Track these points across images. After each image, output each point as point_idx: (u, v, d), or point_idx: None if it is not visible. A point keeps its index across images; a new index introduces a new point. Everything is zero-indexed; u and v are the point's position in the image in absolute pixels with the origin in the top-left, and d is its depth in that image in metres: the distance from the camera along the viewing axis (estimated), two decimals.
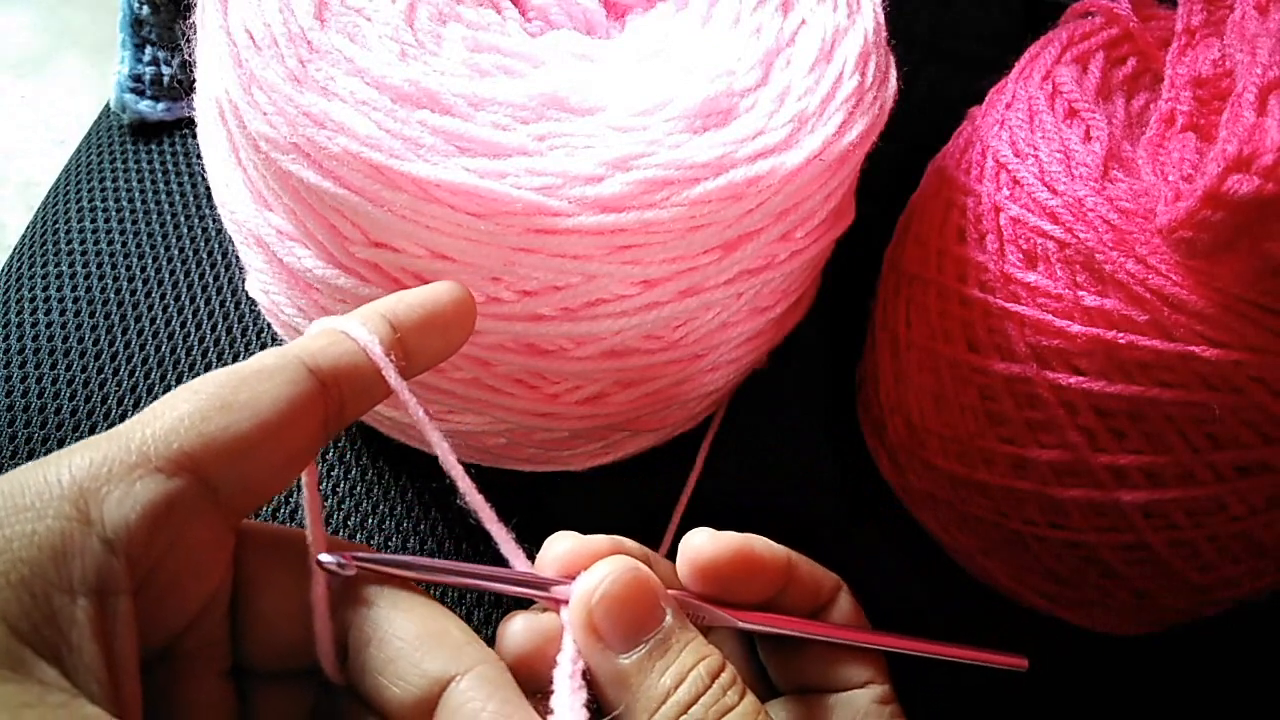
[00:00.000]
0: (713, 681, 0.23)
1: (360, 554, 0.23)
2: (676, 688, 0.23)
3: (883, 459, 0.42)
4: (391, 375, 0.24)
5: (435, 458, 0.40)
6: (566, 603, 0.24)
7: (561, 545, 0.25)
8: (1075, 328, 0.33)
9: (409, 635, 0.22)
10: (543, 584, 0.24)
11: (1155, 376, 0.32)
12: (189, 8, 0.35)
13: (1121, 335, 0.32)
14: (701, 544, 0.26)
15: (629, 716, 0.23)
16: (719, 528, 0.27)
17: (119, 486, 0.19)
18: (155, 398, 0.42)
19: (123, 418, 0.42)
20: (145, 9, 0.53)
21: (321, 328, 0.24)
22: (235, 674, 0.23)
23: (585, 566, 0.24)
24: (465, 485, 0.25)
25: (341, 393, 0.23)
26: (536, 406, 0.36)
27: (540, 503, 0.42)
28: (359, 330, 0.24)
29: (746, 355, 0.39)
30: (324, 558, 0.22)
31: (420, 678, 0.22)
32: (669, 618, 0.24)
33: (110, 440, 0.20)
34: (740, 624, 0.26)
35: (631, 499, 0.42)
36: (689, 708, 0.22)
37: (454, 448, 0.39)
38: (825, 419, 0.46)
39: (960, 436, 0.37)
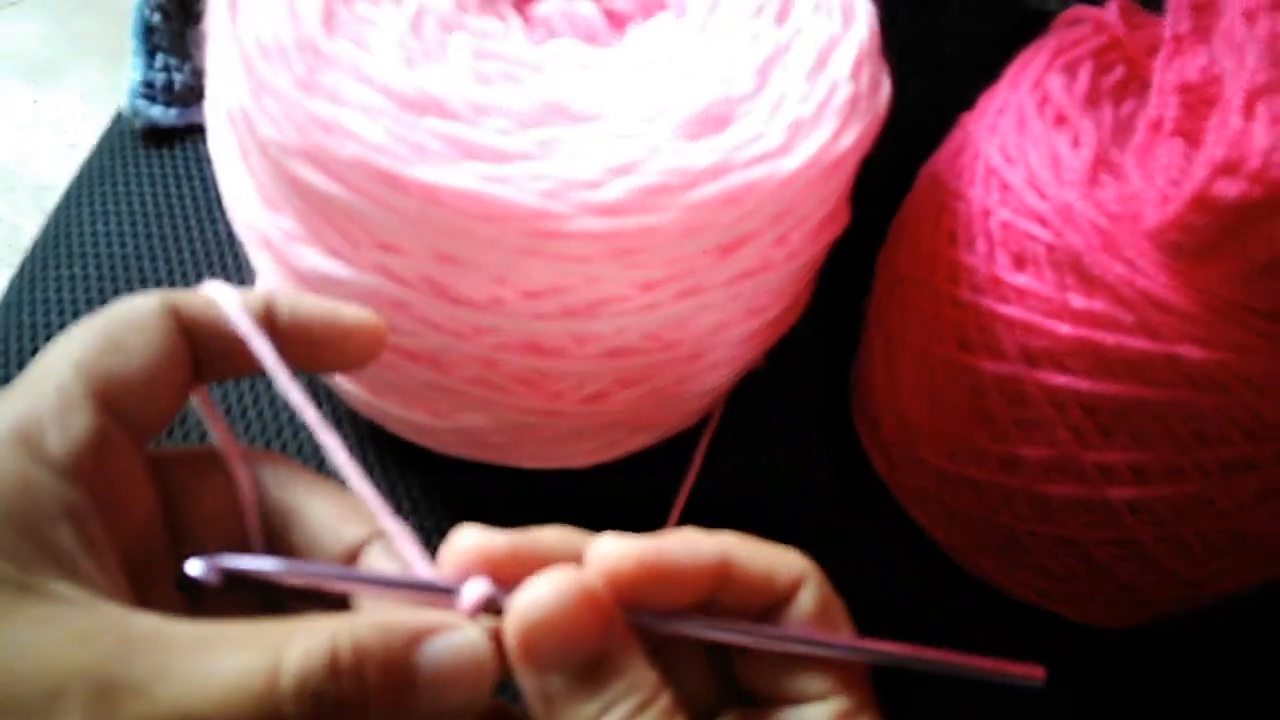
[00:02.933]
0: (637, 715, 0.22)
1: (229, 563, 0.23)
2: (599, 716, 0.22)
3: (876, 456, 0.43)
4: (256, 341, 0.25)
5: (437, 456, 0.41)
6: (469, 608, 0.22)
7: (466, 540, 0.23)
8: (1064, 328, 0.33)
9: (327, 511, 0.25)
10: (442, 588, 0.23)
11: (1142, 376, 0.32)
12: (199, 16, 0.35)
13: (1109, 336, 0.32)
14: (606, 553, 0.23)
15: None
16: (716, 523, 0.25)
17: (53, 425, 0.21)
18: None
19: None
20: (157, 17, 0.54)
21: (201, 287, 0.26)
22: (184, 589, 0.25)
23: (491, 570, 0.23)
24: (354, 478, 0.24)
25: (199, 343, 0.25)
26: (540, 404, 0.36)
27: (542, 499, 0.42)
28: (229, 298, 0.25)
29: (744, 355, 0.39)
30: (190, 568, 0.23)
31: (342, 545, 0.25)
32: (607, 641, 0.22)
33: (23, 391, 0.22)
34: (665, 629, 0.24)
35: (632, 494, 0.42)
36: None
37: (457, 444, 0.40)
38: (820, 417, 0.47)
39: (952, 435, 0.37)
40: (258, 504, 0.26)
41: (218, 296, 0.25)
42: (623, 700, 0.22)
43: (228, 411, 0.44)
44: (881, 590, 0.34)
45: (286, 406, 0.45)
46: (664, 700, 0.22)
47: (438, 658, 0.21)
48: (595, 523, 0.43)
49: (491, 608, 0.23)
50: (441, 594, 0.23)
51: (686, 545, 0.24)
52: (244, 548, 0.26)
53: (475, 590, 0.22)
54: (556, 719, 0.22)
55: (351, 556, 0.25)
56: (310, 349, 0.26)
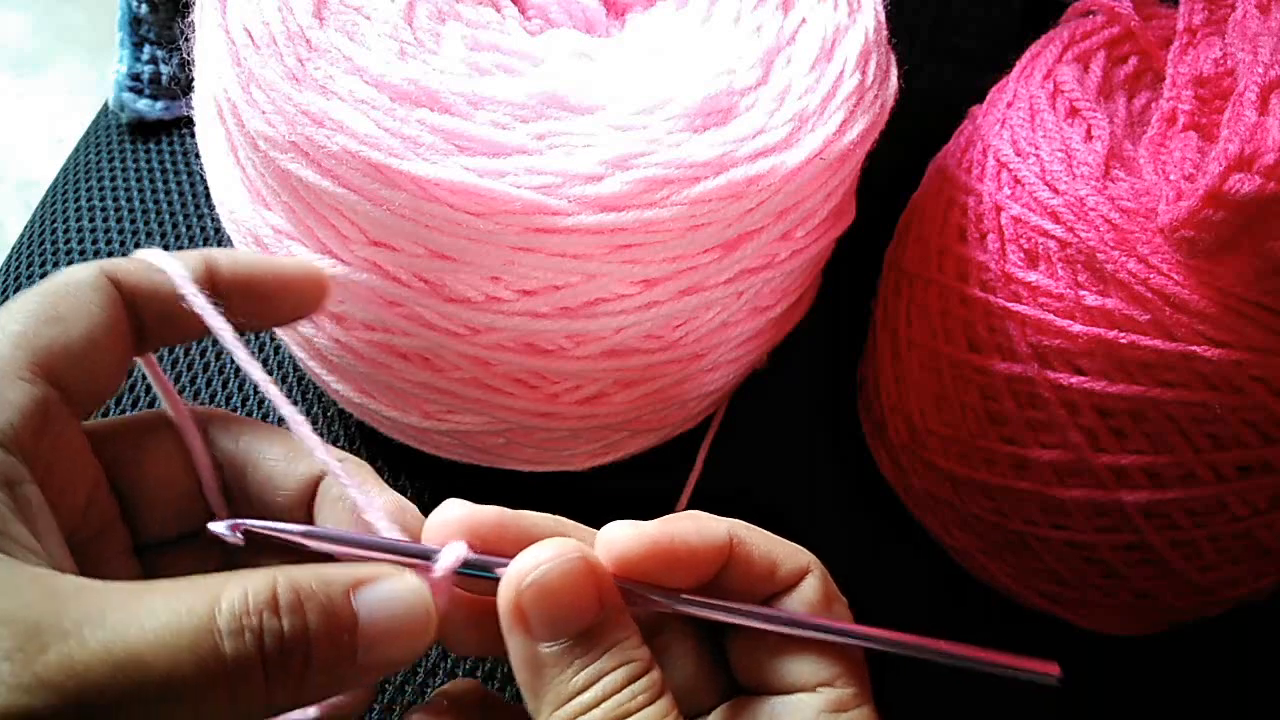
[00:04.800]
0: (625, 686, 0.22)
1: (250, 523, 0.24)
2: (587, 688, 0.22)
3: (884, 459, 0.42)
4: (202, 306, 0.25)
5: (435, 458, 0.40)
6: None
7: (451, 512, 0.24)
8: (1076, 327, 0.33)
9: (278, 453, 0.27)
10: (424, 554, 0.23)
11: (1157, 376, 0.32)
12: (187, 6, 0.35)
13: (1123, 335, 0.32)
14: (615, 537, 0.24)
15: (533, 700, 0.22)
16: None
17: None
18: (154, 396, 0.42)
19: (121, 414, 0.43)
20: (144, 8, 0.53)
21: (137, 254, 0.26)
22: (141, 553, 0.26)
23: (476, 540, 0.23)
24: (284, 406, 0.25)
25: (140, 310, 0.25)
26: (536, 406, 0.36)
27: (540, 503, 0.42)
28: (166, 260, 0.25)
29: (746, 355, 0.39)
30: (214, 527, 0.24)
31: (296, 480, 0.26)
32: (603, 613, 0.23)
33: None
34: (667, 607, 0.24)
35: (631, 499, 0.42)
36: (591, 709, 0.22)
37: (452, 447, 0.39)
38: (826, 419, 0.46)
39: (961, 436, 0.37)
40: (211, 460, 0.26)
41: (156, 260, 0.25)
42: (612, 672, 0.22)
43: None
44: (887, 597, 0.33)
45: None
46: (653, 676, 0.22)
47: (376, 603, 0.21)
48: (595, 525, 0.42)
49: (475, 574, 0.23)
50: (425, 559, 0.23)
51: (695, 527, 0.25)
52: (199, 506, 0.26)
53: (451, 554, 0.23)
54: (543, 687, 0.22)
55: (308, 491, 0.26)
56: (253, 302, 0.27)
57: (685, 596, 0.24)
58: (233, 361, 0.43)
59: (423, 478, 0.42)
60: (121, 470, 0.26)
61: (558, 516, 0.25)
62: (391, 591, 0.22)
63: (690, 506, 0.41)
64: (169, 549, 0.27)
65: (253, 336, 0.45)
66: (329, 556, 0.23)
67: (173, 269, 0.25)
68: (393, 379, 0.35)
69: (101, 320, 0.24)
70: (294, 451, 0.26)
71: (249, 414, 0.43)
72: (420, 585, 0.22)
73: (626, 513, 0.41)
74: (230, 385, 0.44)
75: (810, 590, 0.25)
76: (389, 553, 0.23)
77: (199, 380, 0.44)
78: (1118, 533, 0.35)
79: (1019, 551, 0.38)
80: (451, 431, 0.38)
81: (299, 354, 0.38)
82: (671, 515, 0.25)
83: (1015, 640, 0.30)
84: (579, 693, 0.22)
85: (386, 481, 0.42)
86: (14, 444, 0.21)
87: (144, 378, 0.43)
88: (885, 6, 0.37)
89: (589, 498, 0.42)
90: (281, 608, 0.20)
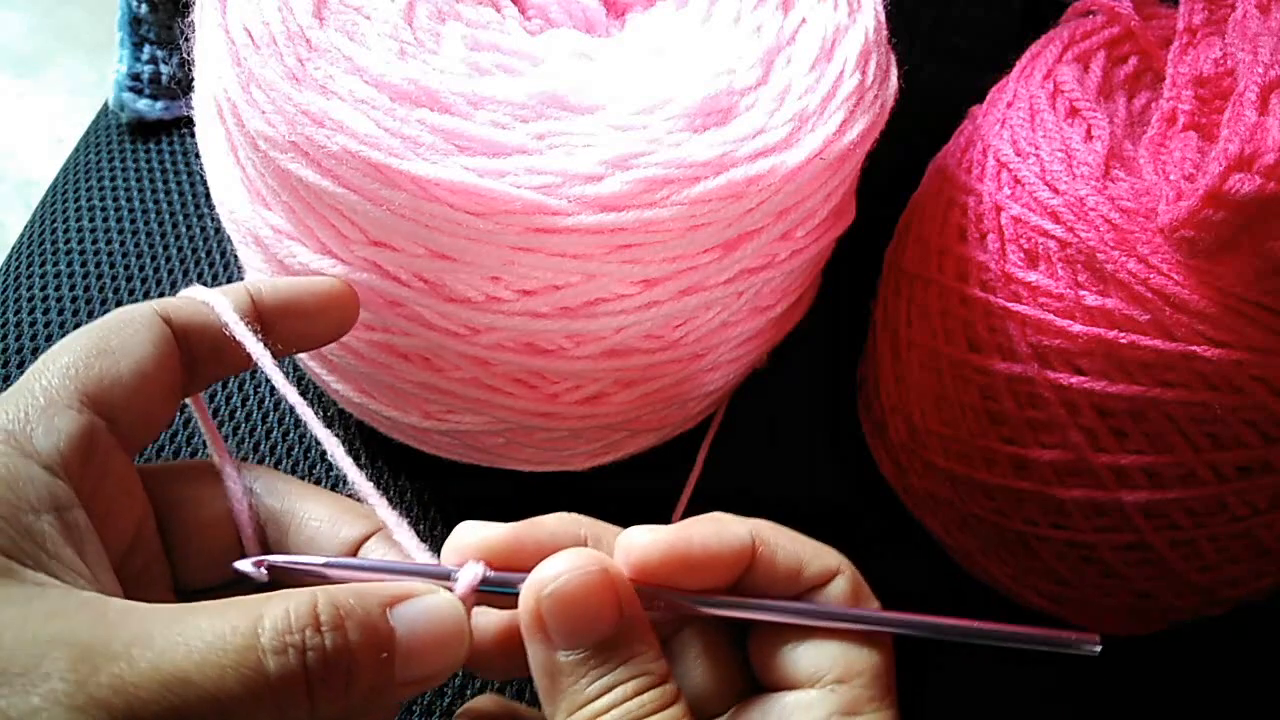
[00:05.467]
0: (636, 696, 0.22)
1: (275, 558, 0.25)
2: (600, 696, 0.22)
3: (884, 459, 0.42)
4: (244, 336, 0.26)
5: (435, 458, 0.40)
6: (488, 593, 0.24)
7: (466, 536, 0.25)
8: (1076, 327, 0.33)
9: (323, 514, 0.26)
10: (441, 573, 0.24)
11: (1157, 376, 0.32)
12: (187, 6, 0.35)
13: (1123, 335, 0.32)
14: (632, 543, 0.24)
15: (549, 706, 0.23)
16: None
17: (40, 424, 0.22)
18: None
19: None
20: (144, 7, 0.53)
21: (184, 293, 0.27)
22: (180, 595, 0.26)
23: (492, 559, 0.24)
24: (354, 475, 0.26)
25: (192, 346, 0.26)
26: (536, 406, 0.35)
27: (540, 503, 0.42)
28: (212, 295, 0.26)
29: (747, 355, 0.38)
30: (240, 565, 0.25)
31: (339, 544, 0.26)
32: (621, 623, 0.23)
33: (13, 395, 0.23)
34: (688, 609, 0.25)
35: (631, 499, 0.42)
36: (601, 715, 0.22)
37: (452, 447, 0.39)
38: (826, 419, 0.46)
39: (961, 436, 0.37)
40: (253, 511, 0.27)
41: (207, 299, 0.26)
42: (627, 682, 0.22)
43: (216, 413, 0.44)
44: (887, 597, 0.33)
45: (277, 410, 0.44)
46: (667, 688, 0.23)
47: (413, 618, 0.22)
48: None
49: (495, 591, 0.24)
50: (445, 580, 0.24)
51: (715, 530, 0.25)
52: (238, 554, 0.26)
53: (470, 573, 0.24)
54: (559, 693, 0.23)
55: (351, 555, 0.26)
56: (295, 323, 0.28)
57: (703, 598, 0.24)
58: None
59: (423, 478, 0.42)
60: (167, 513, 0.26)
61: (574, 515, 0.26)
62: (426, 606, 0.22)
63: (690, 506, 0.41)
64: (204, 595, 0.27)
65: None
66: None
67: (217, 302, 0.26)
68: (393, 379, 0.35)
69: (151, 354, 0.24)
70: (339, 513, 0.27)
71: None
72: (453, 599, 0.23)
73: (626, 512, 0.41)
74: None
75: (838, 591, 0.25)
76: (410, 576, 0.24)
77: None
78: (1118, 533, 0.34)
79: (1019, 551, 0.38)
80: (451, 431, 0.37)
81: (299, 354, 0.38)
82: (694, 518, 0.25)
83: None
84: (592, 700, 0.22)
85: (387, 481, 0.42)
86: (61, 469, 0.22)
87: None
88: (885, 6, 0.37)
89: (589, 498, 0.42)
90: (323, 624, 0.20)
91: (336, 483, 0.42)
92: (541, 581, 0.23)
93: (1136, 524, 0.34)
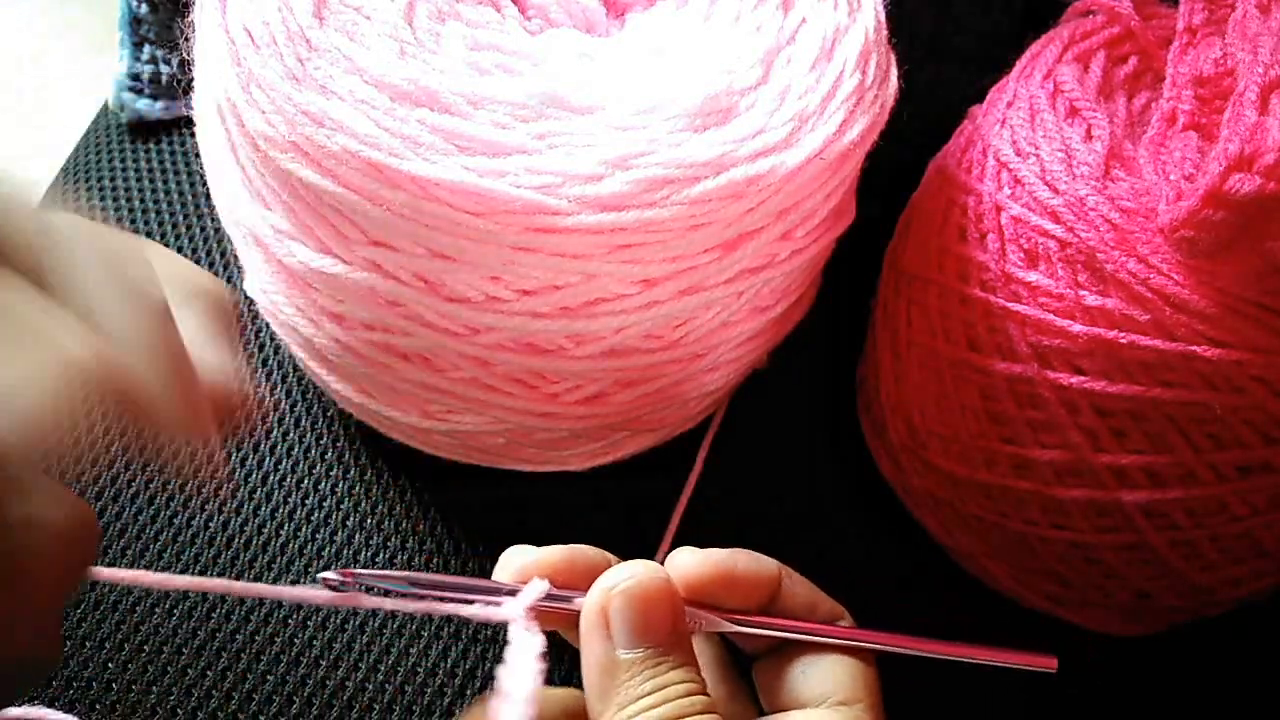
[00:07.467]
0: (685, 698, 0.24)
1: (360, 571, 0.26)
2: (652, 694, 0.24)
3: (883, 459, 0.42)
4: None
5: (435, 458, 0.40)
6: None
7: (516, 560, 0.27)
8: (1076, 327, 0.33)
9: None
10: (508, 590, 0.26)
11: (1157, 376, 0.32)
12: (187, 6, 0.35)
13: (1123, 335, 0.32)
14: (683, 563, 0.27)
15: (600, 702, 0.24)
16: (718, 528, 0.27)
17: None
18: None
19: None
20: (144, 7, 0.53)
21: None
22: None
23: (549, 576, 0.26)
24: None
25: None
26: (536, 406, 0.35)
27: (540, 503, 0.42)
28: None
29: (747, 355, 0.38)
30: (326, 575, 0.26)
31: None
32: (675, 634, 0.25)
33: None
34: (728, 626, 0.27)
35: (631, 499, 0.42)
36: (651, 710, 0.24)
37: (452, 447, 0.39)
38: (826, 419, 0.46)
39: (961, 437, 0.37)
40: None
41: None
42: (675, 685, 0.24)
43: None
44: (888, 598, 0.33)
45: (276, 410, 0.44)
46: (709, 699, 0.25)
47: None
48: (595, 525, 0.42)
49: (554, 606, 0.26)
50: (510, 596, 0.25)
51: (754, 557, 0.28)
52: None
53: (536, 588, 0.26)
54: (614, 689, 0.24)
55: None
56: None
57: (742, 618, 0.27)
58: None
59: (423, 478, 0.42)
60: None
61: (603, 551, 0.28)
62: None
63: (689, 508, 0.41)
64: None
65: (253, 336, 0.45)
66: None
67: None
68: (393, 379, 0.35)
69: None
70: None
71: (383, 487, 0.43)
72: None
73: (627, 512, 0.41)
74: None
75: (845, 623, 0.28)
76: (479, 592, 0.26)
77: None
78: (1118, 533, 0.34)
79: (1019, 552, 0.38)
80: (451, 431, 0.37)
81: (299, 354, 0.38)
82: (729, 549, 0.28)
83: (1015, 642, 0.30)
84: (645, 696, 0.24)
85: (386, 481, 0.42)
86: None
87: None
88: (885, 6, 0.37)
89: (589, 498, 0.42)
90: None
91: (327, 495, 0.42)
92: (614, 579, 0.25)
93: (1136, 524, 0.34)
